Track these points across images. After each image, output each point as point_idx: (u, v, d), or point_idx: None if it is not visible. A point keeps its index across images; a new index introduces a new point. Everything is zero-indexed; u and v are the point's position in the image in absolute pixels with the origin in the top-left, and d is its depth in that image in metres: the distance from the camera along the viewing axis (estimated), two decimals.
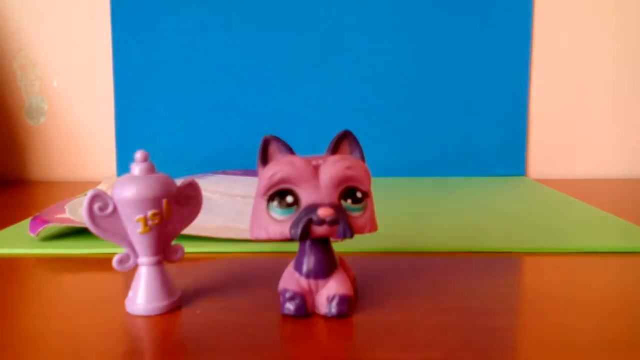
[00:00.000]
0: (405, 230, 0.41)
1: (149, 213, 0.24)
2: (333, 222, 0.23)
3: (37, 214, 0.40)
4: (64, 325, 0.24)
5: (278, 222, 0.24)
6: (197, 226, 0.36)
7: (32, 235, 0.38)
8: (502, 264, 0.33)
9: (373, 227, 0.25)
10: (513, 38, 0.67)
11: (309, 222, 0.23)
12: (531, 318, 0.25)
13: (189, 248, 0.35)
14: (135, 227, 0.24)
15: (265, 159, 0.25)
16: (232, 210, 0.43)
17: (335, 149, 0.25)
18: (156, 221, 0.24)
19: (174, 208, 0.25)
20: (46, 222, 0.38)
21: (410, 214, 0.47)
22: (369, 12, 0.67)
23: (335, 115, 0.67)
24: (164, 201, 0.24)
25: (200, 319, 0.25)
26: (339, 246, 0.30)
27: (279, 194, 0.24)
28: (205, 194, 0.39)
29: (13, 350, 0.22)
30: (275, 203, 0.24)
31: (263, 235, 0.24)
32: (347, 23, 0.67)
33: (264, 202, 0.24)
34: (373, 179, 0.25)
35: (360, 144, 0.26)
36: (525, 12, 0.67)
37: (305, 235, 0.23)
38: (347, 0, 0.66)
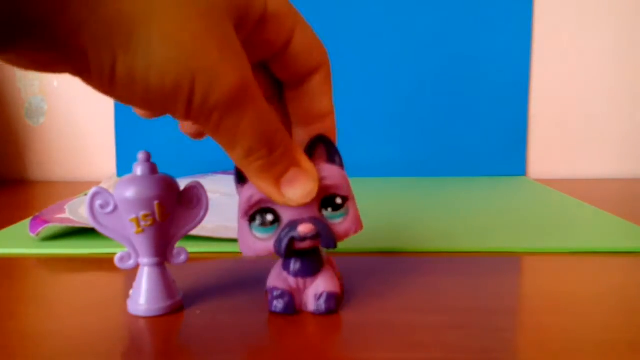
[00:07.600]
0: (405, 231, 0.41)
1: (141, 214, 0.24)
2: (315, 237, 0.23)
3: (37, 214, 0.40)
4: (64, 325, 0.24)
5: (262, 240, 0.24)
6: (197, 226, 0.36)
7: (32, 235, 0.38)
8: (502, 264, 0.33)
9: (358, 227, 0.25)
10: (513, 38, 0.67)
11: (292, 240, 0.23)
12: (531, 318, 0.25)
13: (189, 248, 0.35)
14: (131, 227, 0.24)
15: (242, 178, 0.25)
16: (232, 210, 0.43)
17: (310, 155, 0.24)
18: (149, 222, 0.24)
19: (177, 210, 0.25)
20: (46, 222, 0.38)
21: (409, 214, 0.46)
22: (366, 12, 0.67)
23: None
24: (155, 203, 0.24)
25: (199, 319, 0.25)
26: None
27: (259, 213, 0.24)
28: None
29: (13, 351, 0.22)
30: (256, 223, 0.24)
31: (251, 253, 0.24)
32: (344, 23, 0.67)
33: (246, 223, 0.24)
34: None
35: (337, 146, 0.25)
36: (525, 12, 0.67)
37: (290, 253, 0.24)
38: (343, 0, 0.66)
